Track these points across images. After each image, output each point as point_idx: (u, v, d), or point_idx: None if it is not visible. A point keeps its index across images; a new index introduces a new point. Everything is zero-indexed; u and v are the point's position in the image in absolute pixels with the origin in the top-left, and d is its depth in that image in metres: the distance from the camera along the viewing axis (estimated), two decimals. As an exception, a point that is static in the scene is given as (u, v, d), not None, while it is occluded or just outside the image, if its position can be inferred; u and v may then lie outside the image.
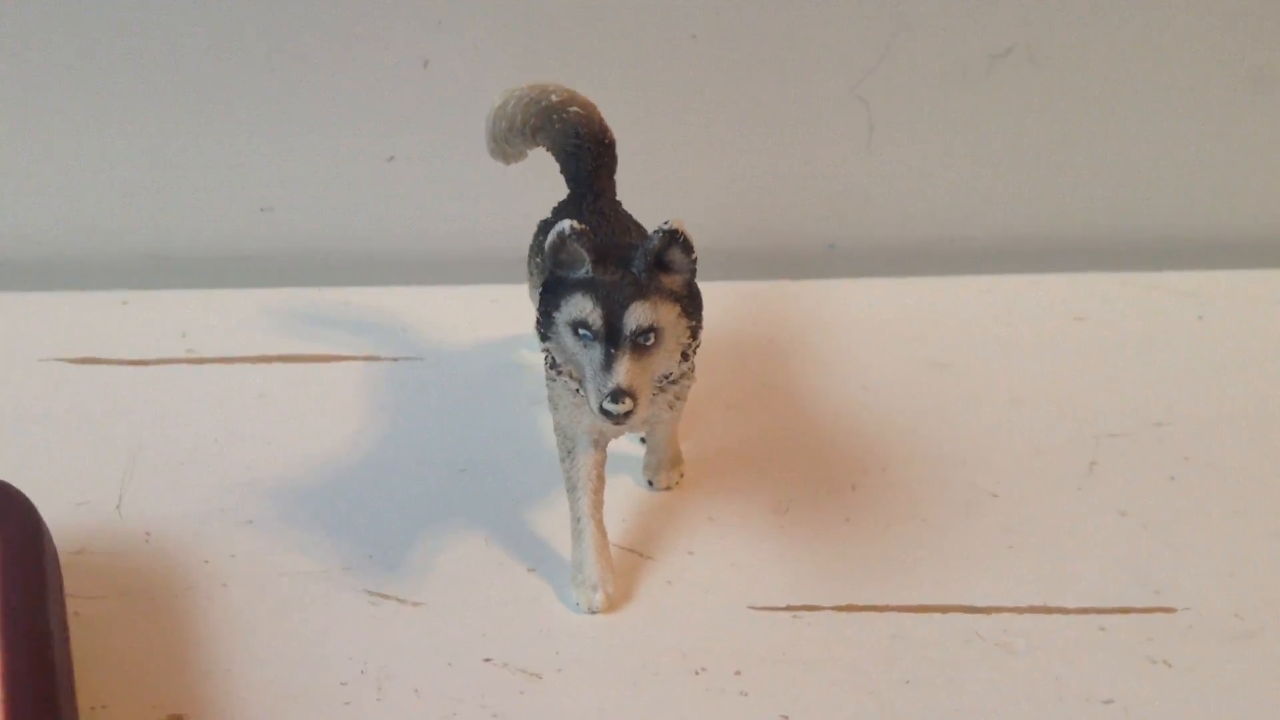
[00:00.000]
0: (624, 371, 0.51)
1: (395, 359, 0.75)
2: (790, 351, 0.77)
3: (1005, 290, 0.83)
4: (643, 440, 0.68)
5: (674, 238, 0.52)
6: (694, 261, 0.53)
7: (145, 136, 0.81)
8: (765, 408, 0.72)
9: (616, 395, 0.51)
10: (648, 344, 0.52)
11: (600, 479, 0.60)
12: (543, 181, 0.67)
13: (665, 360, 0.54)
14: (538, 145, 0.66)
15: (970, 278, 0.83)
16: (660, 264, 0.53)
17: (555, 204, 0.64)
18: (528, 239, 0.66)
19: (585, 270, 0.53)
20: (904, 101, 0.82)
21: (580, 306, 0.52)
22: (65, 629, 0.49)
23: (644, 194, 0.67)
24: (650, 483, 0.66)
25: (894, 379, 0.74)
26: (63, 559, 0.58)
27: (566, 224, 0.52)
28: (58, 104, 0.80)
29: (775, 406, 0.72)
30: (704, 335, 0.56)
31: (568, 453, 0.59)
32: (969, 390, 0.73)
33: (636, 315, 0.52)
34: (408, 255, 0.84)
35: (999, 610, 0.59)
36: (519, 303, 0.79)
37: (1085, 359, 0.76)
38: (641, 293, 0.52)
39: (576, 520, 0.59)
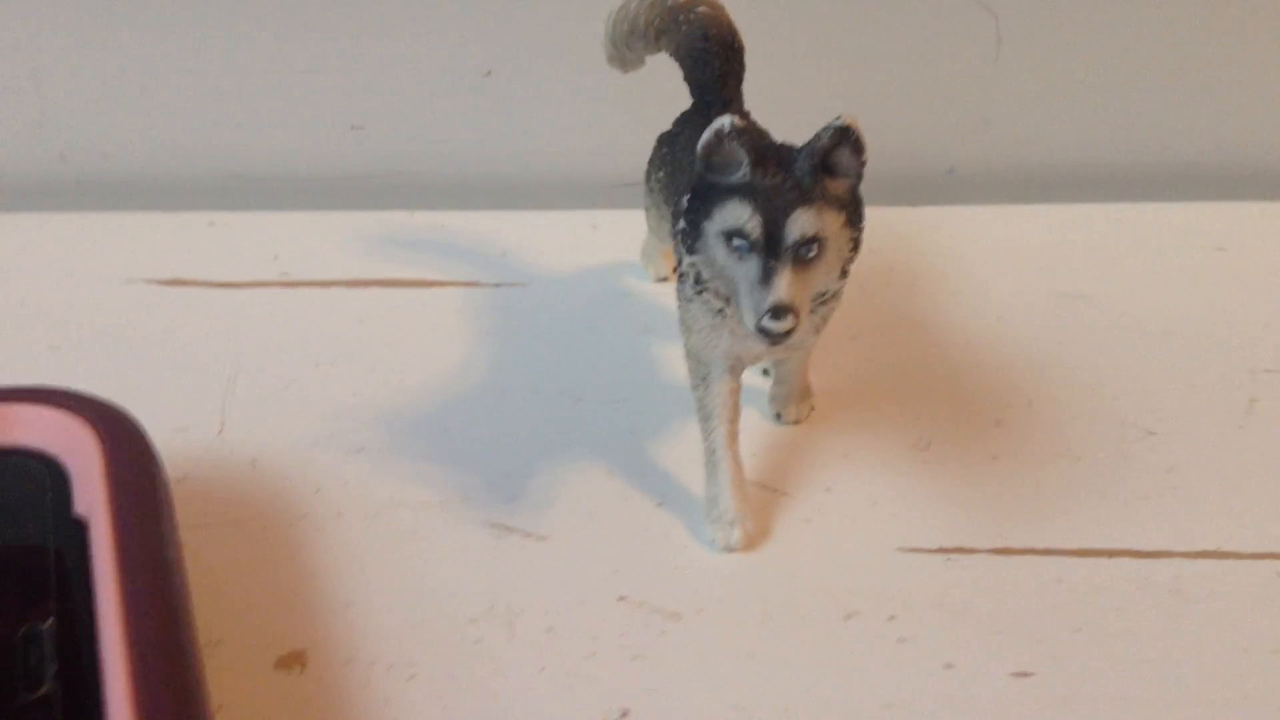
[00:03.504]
0: (785, 285, 0.47)
1: (497, 285, 0.71)
2: (913, 280, 0.72)
3: (1138, 219, 0.77)
4: (765, 372, 0.63)
5: (845, 135, 0.47)
6: (863, 164, 0.48)
7: (230, 50, 0.76)
8: (893, 339, 0.67)
9: (777, 311, 0.46)
10: (809, 256, 0.48)
11: (736, 408, 0.55)
12: (648, 101, 0.62)
13: (825, 275, 0.49)
14: (660, 49, 0.61)
15: (1098, 205, 0.78)
16: (825, 167, 0.48)
17: (677, 114, 0.59)
18: (630, 161, 0.61)
19: (742, 174, 0.48)
20: (1036, 11, 0.76)
21: (736, 214, 0.47)
22: (181, 558, 0.46)
23: (754, 111, 0.62)
24: (778, 416, 0.62)
25: (1029, 309, 0.69)
26: (166, 486, 0.55)
27: (726, 120, 0.47)
28: (139, 17, 0.75)
29: (903, 337, 0.67)
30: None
31: (701, 379, 0.55)
32: (1111, 322, 0.69)
33: (800, 223, 0.47)
34: (503, 177, 0.80)
35: (1168, 555, 0.55)
36: (619, 228, 0.75)
37: (1230, 291, 0.71)
38: (806, 199, 0.47)
39: (711, 452, 0.55)
